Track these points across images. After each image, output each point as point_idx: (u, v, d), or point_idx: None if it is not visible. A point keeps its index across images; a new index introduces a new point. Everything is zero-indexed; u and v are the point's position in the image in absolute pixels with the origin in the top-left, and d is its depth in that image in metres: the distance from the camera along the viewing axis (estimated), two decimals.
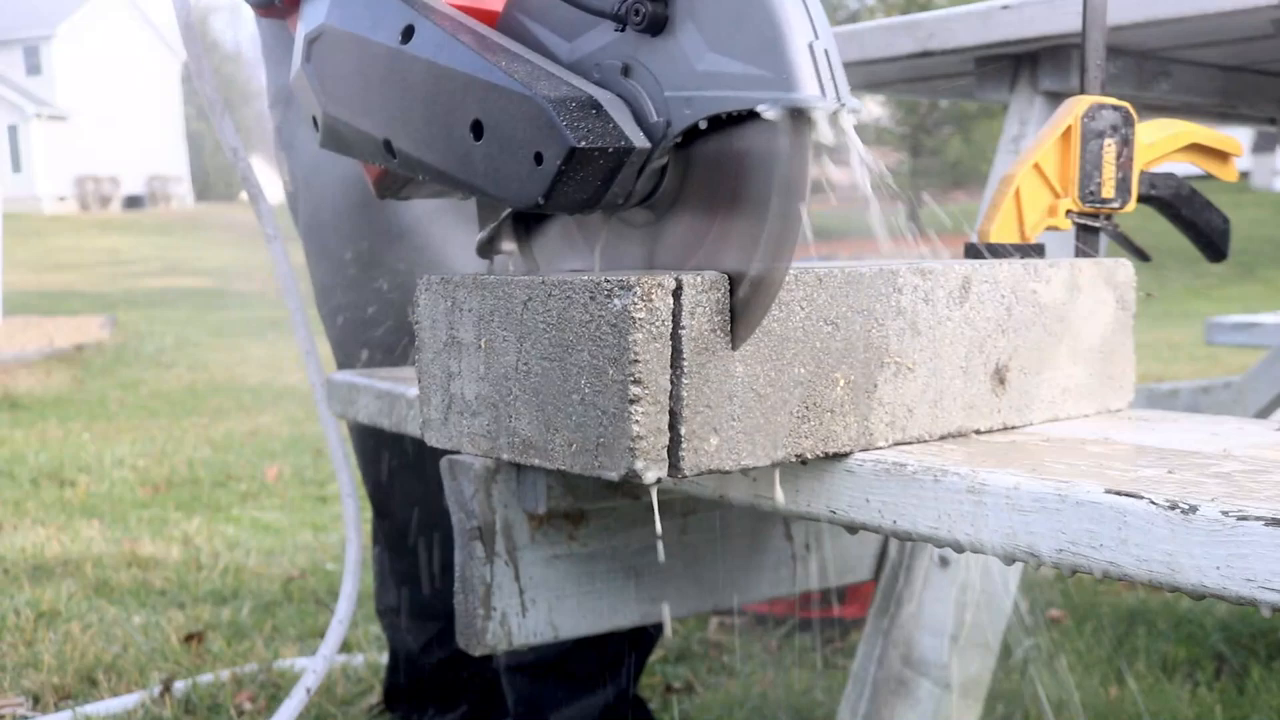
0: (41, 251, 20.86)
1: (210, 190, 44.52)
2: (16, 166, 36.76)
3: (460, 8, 0.88)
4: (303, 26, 0.95)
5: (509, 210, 0.93)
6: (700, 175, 0.79)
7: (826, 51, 0.71)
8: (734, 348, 0.76)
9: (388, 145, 0.88)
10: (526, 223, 0.94)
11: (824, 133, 0.72)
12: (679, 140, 0.78)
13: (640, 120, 0.78)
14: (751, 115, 0.73)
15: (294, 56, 0.96)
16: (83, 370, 7.63)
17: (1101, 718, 1.85)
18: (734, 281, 0.76)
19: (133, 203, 38.25)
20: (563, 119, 0.75)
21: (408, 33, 0.84)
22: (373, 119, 0.89)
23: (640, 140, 0.77)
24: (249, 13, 1.08)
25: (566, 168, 0.75)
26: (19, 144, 37.20)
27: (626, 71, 0.79)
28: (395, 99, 0.86)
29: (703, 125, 0.76)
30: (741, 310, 0.76)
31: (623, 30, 0.78)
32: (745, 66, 0.72)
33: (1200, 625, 2.24)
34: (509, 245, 0.93)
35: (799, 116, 0.71)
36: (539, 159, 0.76)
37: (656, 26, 0.76)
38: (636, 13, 0.76)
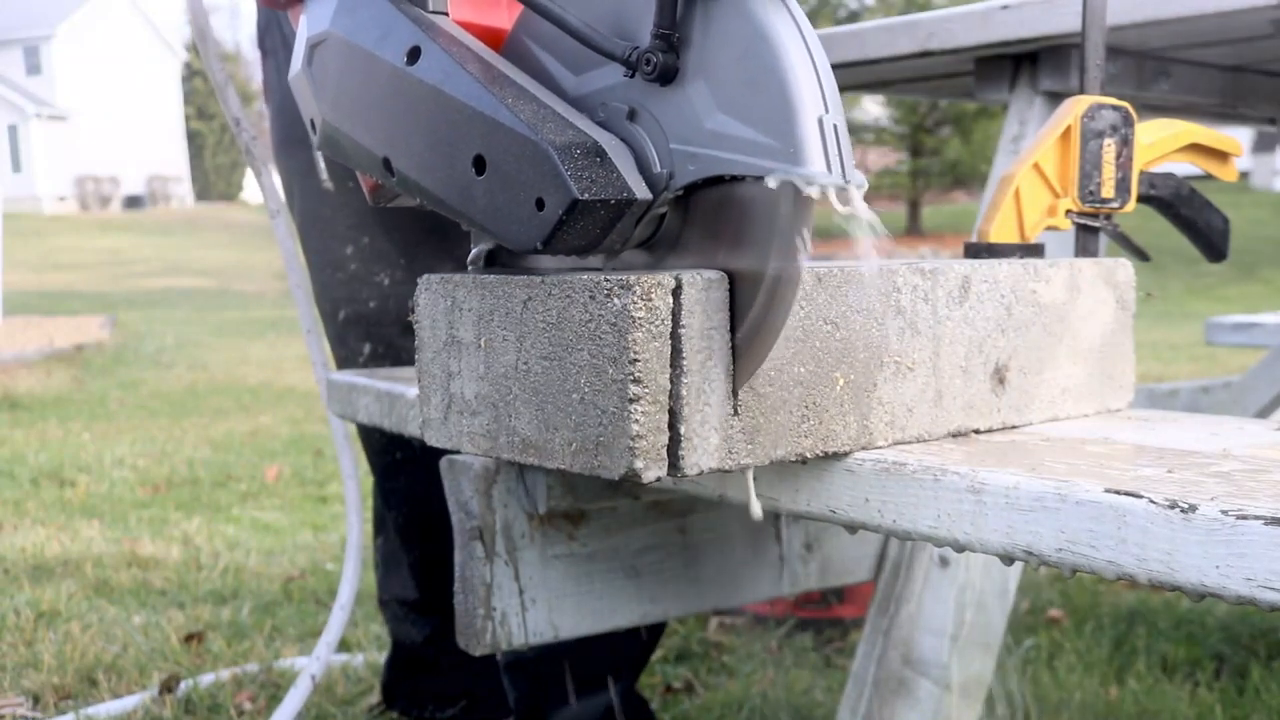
0: (41, 251, 20.87)
1: (210, 190, 44.52)
2: (16, 166, 36.76)
3: (467, 24, 0.87)
4: (305, 28, 0.93)
5: None
6: (701, 222, 0.78)
7: (836, 127, 0.71)
8: (734, 391, 0.76)
9: (386, 163, 0.87)
10: None
11: (833, 206, 0.71)
12: (681, 192, 0.77)
13: (643, 168, 0.77)
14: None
15: (295, 55, 0.95)
16: (83, 370, 7.63)
17: (1101, 718, 1.85)
18: (734, 322, 0.76)
19: (133, 203, 38.25)
20: (568, 168, 0.74)
21: (414, 54, 0.83)
22: (372, 135, 0.87)
23: (642, 191, 0.76)
24: (249, 12, 1.08)
25: (568, 218, 0.74)
26: (19, 144, 37.20)
27: (632, 116, 0.78)
28: (397, 119, 0.85)
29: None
30: (742, 352, 0.76)
31: (632, 76, 0.77)
32: (754, 133, 0.72)
33: (1200, 625, 2.24)
34: (509, 257, 0.92)
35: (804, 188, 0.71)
36: (540, 204, 0.75)
37: (667, 77, 0.76)
38: (648, 62, 0.75)
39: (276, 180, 1.63)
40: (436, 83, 0.81)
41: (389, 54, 0.84)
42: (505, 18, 0.88)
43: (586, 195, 0.74)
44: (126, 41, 40.46)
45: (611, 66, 0.79)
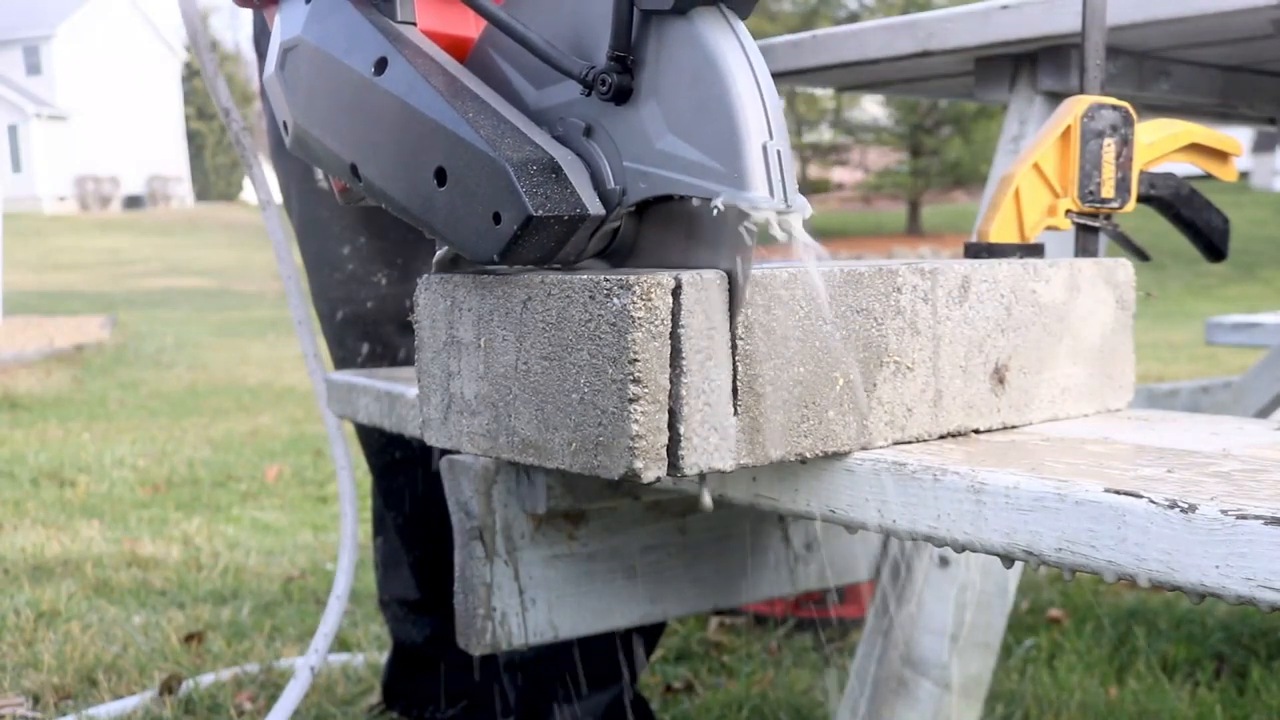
0: (41, 251, 20.87)
1: (210, 190, 44.53)
2: (16, 166, 36.75)
3: (434, 34, 0.88)
4: (279, 30, 0.94)
5: None
6: (653, 236, 0.81)
7: (779, 153, 0.74)
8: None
9: (354, 169, 0.88)
10: None
11: (774, 230, 0.75)
12: (633, 207, 0.80)
13: (598, 184, 0.80)
14: None
15: (269, 56, 0.96)
16: (83, 370, 7.63)
17: (1101, 718, 1.85)
18: None
19: (133, 203, 38.24)
20: (523, 184, 0.76)
21: (381, 64, 0.84)
22: (340, 141, 0.89)
23: (596, 207, 0.79)
24: (248, 14, 1.08)
25: (523, 232, 0.77)
26: (19, 144, 37.19)
27: (589, 133, 0.81)
28: (364, 127, 0.87)
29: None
30: None
31: (589, 94, 0.80)
32: (702, 156, 0.75)
33: (1200, 625, 2.24)
34: (471, 266, 0.94)
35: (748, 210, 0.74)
36: (497, 219, 0.78)
37: (621, 97, 0.78)
38: (603, 82, 0.78)
39: (268, 172, 1.63)
40: (402, 94, 0.83)
41: (357, 63, 0.86)
42: (472, 27, 0.89)
43: (541, 211, 0.76)
44: (126, 41, 40.46)
45: (571, 83, 0.81)
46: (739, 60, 0.74)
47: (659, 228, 0.81)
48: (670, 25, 0.76)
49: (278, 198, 1.65)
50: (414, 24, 0.88)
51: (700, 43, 0.74)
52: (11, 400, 6.22)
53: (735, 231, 0.75)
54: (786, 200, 0.74)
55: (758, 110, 0.73)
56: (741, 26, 0.76)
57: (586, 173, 0.80)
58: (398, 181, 0.85)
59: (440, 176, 0.81)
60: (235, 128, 1.51)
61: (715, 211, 0.74)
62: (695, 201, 0.76)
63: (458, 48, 0.89)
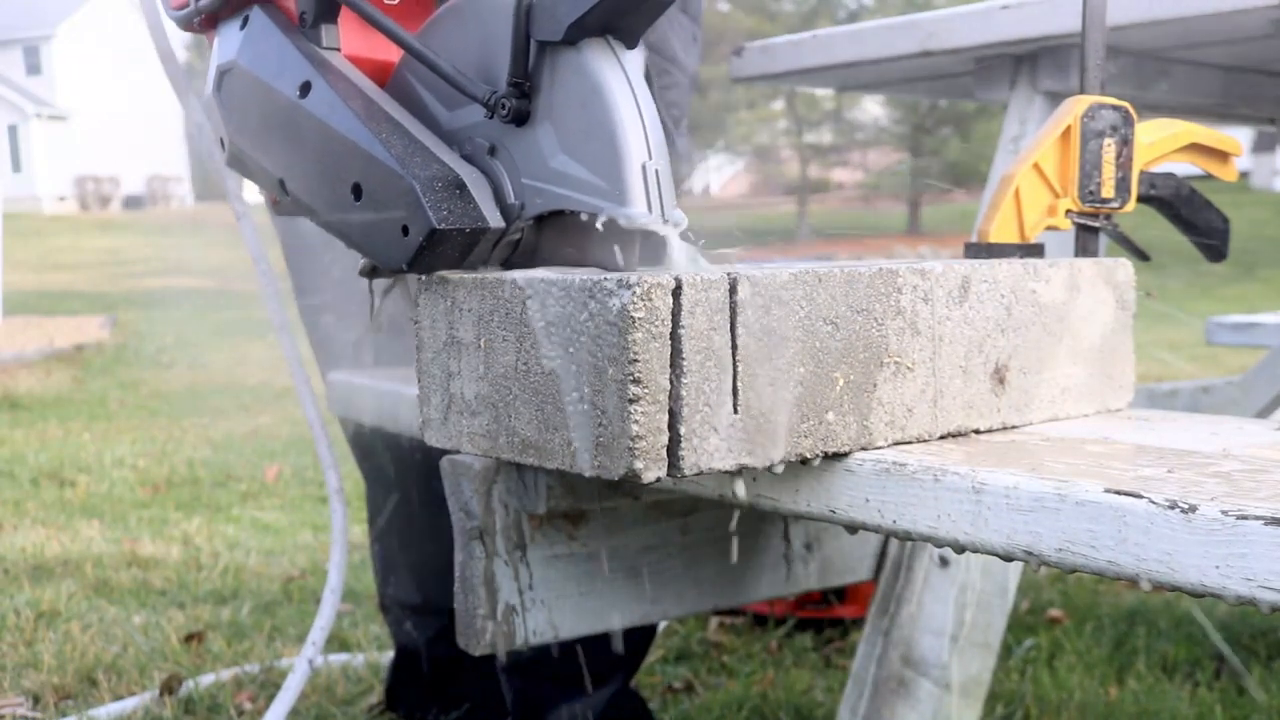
0: (41, 251, 20.85)
1: (210, 190, 44.51)
2: (16, 166, 36.74)
3: (358, 58, 0.95)
4: (216, 53, 1.01)
5: None
6: (551, 245, 0.88)
7: (658, 171, 0.81)
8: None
9: (282, 184, 0.97)
10: None
11: (653, 240, 0.82)
12: (532, 220, 0.87)
13: (500, 199, 0.87)
14: None
15: (208, 77, 1.03)
16: (83, 370, 7.62)
17: (1101, 718, 1.85)
18: None
19: (133, 203, 38.23)
20: (428, 199, 0.84)
21: (305, 88, 0.92)
22: (270, 158, 0.97)
23: (496, 220, 0.86)
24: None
25: (428, 243, 0.84)
26: (19, 144, 37.19)
27: (493, 151, 0.88)
28: (290, 146, 0.94)
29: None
30: None
31: (491, 117, 0.87)
32: (589, 174, 0.82)
33: (1200, 625, 2.24)
34: (387, 274, 0.99)
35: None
36: (406, 231, 0.85)
37: (520, 119, 0.86)
38: (503, 105, 0.85)
39: (245, 185, 1.63)
40: (323, 116, 0.90)
41: (284, 86, 0.93)
42: (395, 53, 0.96)
43: (444, 224, 0.84)
44: (126, 41, 40.47)
45: (477, 106, 0.88)
46: (622, 87, 0.81)
47: (555, 239, 0.87)
48: (562, 54, 0.83)
49: (255, 198, 1.65)
50: (338, 50, 0.95)
51: (587, 71, 0.82)
52: (11, 400, 6.22)
53: (623, 242, 0.82)
54: (664, 215, 0.81)
55: (638, 133, 0.81)
56: (627, 55, 0.83)
57: (490, 188, 0.87)
58: (320, 196, 0.93)
59: (357, 192, 0.88)
60: (209, 140, 1.51)
61: (600, 225, 0.81)
62: (584, 222, 0.83)
63: (381, 71, 0.96)
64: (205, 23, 1.04)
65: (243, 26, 0.98)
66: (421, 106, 0.93)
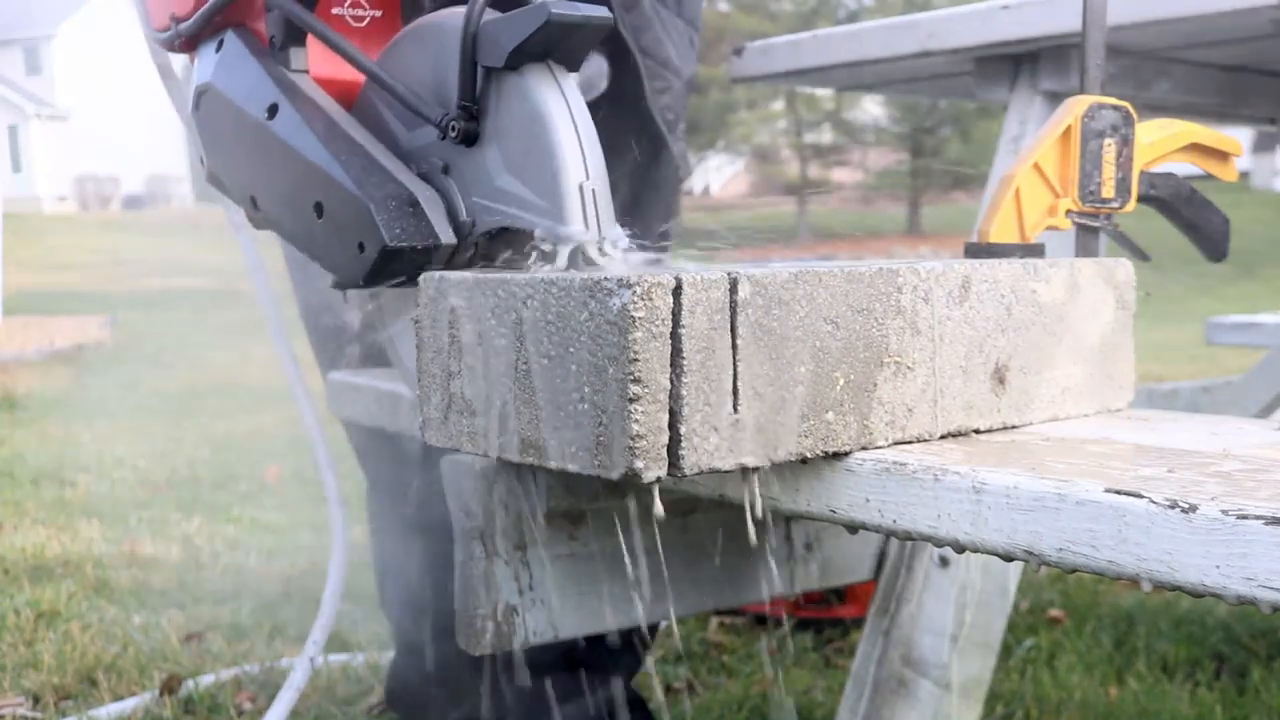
0: (41, 251, 20.85)
1: (210, 190, 44.42)
2: (16, 166, 36.74)
3: (326, 80, 0.99)
4: (195, 74, 1.05)
5: None
6: (501, 259, 0.91)
7: (594, 191, 0.85)
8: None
9: (253, 200, 1.01)
10: None
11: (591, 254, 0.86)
12: (482, 236, 0.90)
13: (453, 216, 0.91)
14: None
15: (187, 98, 1.07)
16: (83, 370, 7.62)
17: (1101, 718, 1.85)
18: None
19: (133, 203, 38.22)
20: (381, 217, 0.88)
21: (272, 110, 0.96)
22: (241, 175, 1.02)
23: (448, 237, 0.90)
24: None
25: (381, 260, 0.88)
26: (19, 144, 37.18)
27: (446, 170, 0.91)
28: (259, 166, 0.98)
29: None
30: None
31: (443, 138, 0.90)
32: (530, 193, 0.86)
33: (1200, 625, 2.24)
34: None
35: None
36: (361, 248, 0.89)
37: (469, 140, 0.89)
38: (453, 127, 0.89)
39: None
40: (287, 137, 0.94)
41: (253, 108, 0.97)
42: (360, 74, 0.99)
43: (396, 242, 0.87)
44: (126, 41, 40.42)
45: (431, 127, 0.91)
46: (560, 111, 0.85)
47: (506, 256, 0.91)
48: (506, 79, 0.86)
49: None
50: (307, 72, 0.98)
51: (528, 95, 0.85)
52: (11, 400, 6.21)
53: (568, 258, 0.85)
54: (600, 232, 0.85)
55: (575, 154, 0.84)
56: (568, 79, 0.87)
57: (443, 206, 0.91)
58: (286, 213, 0.97)
59: (318, 210, 0.92)
60: (200, 151, 1.51)
61: (542, 242, 0.85)
62: (528, 238, 0.87)
63: (348, 91, 1.00)
64: (185, 45, 1.07)
65: (218, 49, 1.02)
66: (383, 125, 0.96)
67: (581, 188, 0.84)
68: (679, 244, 0.97)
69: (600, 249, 0.85)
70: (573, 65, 0.87)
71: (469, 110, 0.88)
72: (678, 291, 0.74)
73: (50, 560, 2.92)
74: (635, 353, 0.72)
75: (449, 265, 0.91)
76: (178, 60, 1.48)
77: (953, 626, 1.32)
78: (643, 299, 0.72)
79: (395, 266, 0.89)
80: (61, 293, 14.64)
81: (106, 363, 8.09)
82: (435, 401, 0.89)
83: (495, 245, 0.91)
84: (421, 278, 0.91)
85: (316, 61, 0.99)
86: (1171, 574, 0.65)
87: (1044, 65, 1.47)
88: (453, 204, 0.91)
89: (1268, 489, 0.68)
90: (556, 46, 0.85)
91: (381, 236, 0.87)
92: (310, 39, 0.98)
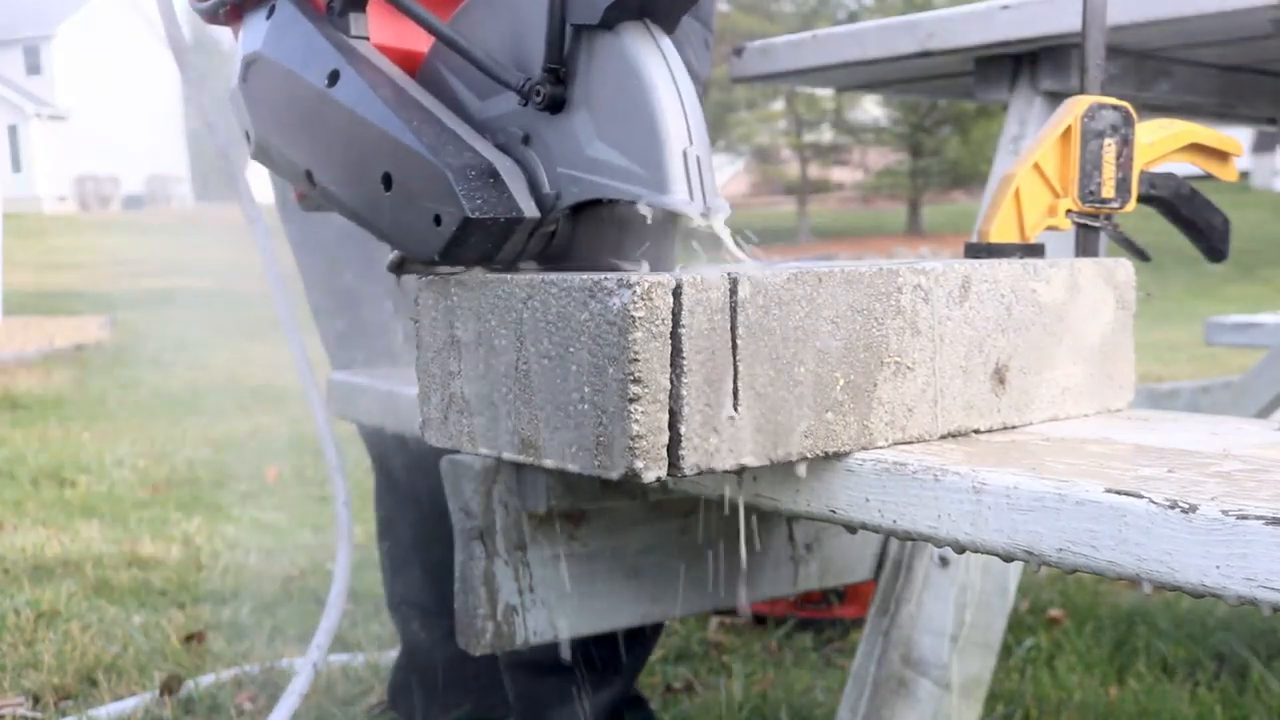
0: (41, 251, 20.85)
1: (210, 190, 44.50)
2: (16, 166, 36.76)
3: (386, 48, 0.93)
4: (241, 45, 0.99)
5: None
6: (587, 236, 0.86)
7: (699, 158, 0.79)
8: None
9: (309, 175, 0.94)
10: None
11: (696, 228, 0.80)
12: (568, 210, 0.84)
13: (534, 189, 0.84)
14: None
15: (232, 70, 1.00)
16: (83, 370, 7.62)
17: (1101, 718, 1.85)
18: None
19: (133, 203, 38.22)
20: (461, 188, 0.81)
21: (333, 77, 0.89)
22: (297, 149, 0.94)
23: (531, 210, 0.84)
24: None
25: (461, 233, 0.82)
26: (19, 144, 37.20)
27: (527, 140, 0.85)
28: (318, 136, 0.92)
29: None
30: None
31: (525, 104, 0.84)
32: (628, 161, 0.79)
33: (1200, 625, 2.24)
34: (420, 267, 0.96)
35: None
36: (438, 220, 0.83)
37: (555, 106, 0.83)
38: (537, 92, 0.83)
39: (259, 184, 1.63)
40: (352, 105, 0.87)
41: (312, 76, 0.90)
42: (423, 42, 0.94)
43: (477, 214, 0.81)
44: (126, 41, 40.44)
45: (510, 94, 0.85)
46: (661, 71, 0.79)
47: (592, 229, 0.85)
48: (599, 39, 0.80)
49: (266, 199, 1.65)
50: (367, 39, 0.92)
51: (625, 55, 0.79)
52: (11, 400, 6.22)
53: (662, 232, 0.81)
54: (706, 203, 0.79)
55: (678, 118, 0.78)
56: (665, 40, 0.81)
57: (524, 178, 0.84)
58: (349, 187, 0.90)
59: (387, 182, 0.86)
60: (219, 140, 1.51)
61: (640, 213, 0.79)
62: (623, 212, 0.81)
63: (409, 61, 0.93)
64: (231, 14, 1.01)
65: (269, 16, 0.96)
66: (452, 96, 0.90)
67: (685, 154, 0.78)
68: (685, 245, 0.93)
69: (705, 219, 0.79)
70: (669, 26, 0.81)
71: (556, 73, 0.82)
72: (678, 291, 0.74)
73: (50, 560, 2.92)
74: (635, 353, 0.72)
75: (529, 240, 0.85)
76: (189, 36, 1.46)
77: (953, 626, 1.32)
78: (643, 299, 0.72)
79: (475, 240, 0.82)
80: (61, 293, 14.64)
81: (106, 363, 8.09)
82: (435, 401, 0.89)
83: (581, 222, 0.86)
84: (422, 278, 0.91)
85: (376, 28, 0.93)
86: (1171, 574, 0.65)
87: (1044, 65, 1.47)
88: (534, 175, 0.84)
89: (1268, 489, 0.68)
90: (655, 4, 0.79)
91: (462, 207, 0.81)
92: (370, 4, 0.92)
